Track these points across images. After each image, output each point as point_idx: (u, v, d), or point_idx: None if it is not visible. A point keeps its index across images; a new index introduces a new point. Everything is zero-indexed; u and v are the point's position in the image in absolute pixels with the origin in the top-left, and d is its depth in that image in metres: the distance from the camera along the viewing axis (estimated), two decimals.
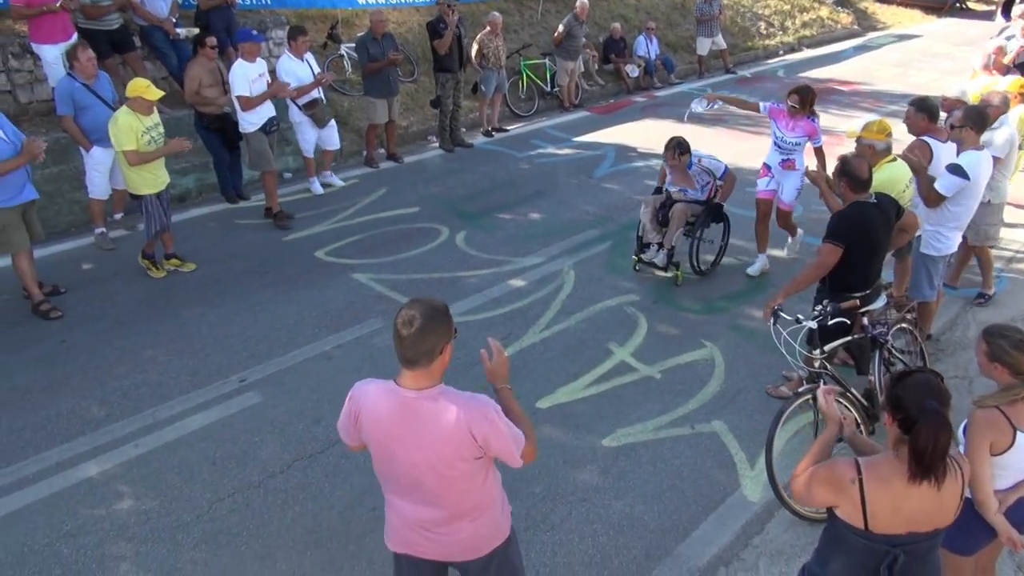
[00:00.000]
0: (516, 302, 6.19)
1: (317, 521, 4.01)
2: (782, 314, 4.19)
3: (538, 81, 12.18)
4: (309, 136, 8.23)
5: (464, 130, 10.48)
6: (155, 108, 6.14)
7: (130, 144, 5.90)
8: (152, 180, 6.20)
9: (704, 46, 14.39)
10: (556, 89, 12.27)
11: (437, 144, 10.26)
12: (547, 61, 12.29)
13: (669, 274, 6.53)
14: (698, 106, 6.83)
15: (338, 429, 2.67)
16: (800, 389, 4.34)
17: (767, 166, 6.55)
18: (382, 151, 9.65)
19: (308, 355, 5.43)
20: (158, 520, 4.02)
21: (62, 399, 4.92)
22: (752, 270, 6.71)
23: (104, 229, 7.18)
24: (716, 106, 6.89)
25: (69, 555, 3.80)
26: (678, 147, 6.31)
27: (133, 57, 8.23)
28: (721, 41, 14.53)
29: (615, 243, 7.29)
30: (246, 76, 7.24)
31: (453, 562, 2.73)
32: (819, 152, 6.42)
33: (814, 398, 4.15)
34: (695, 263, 6.53)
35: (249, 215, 7.88)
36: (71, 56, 6.49)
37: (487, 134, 10.78)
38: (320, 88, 8.11)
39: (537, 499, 4.17)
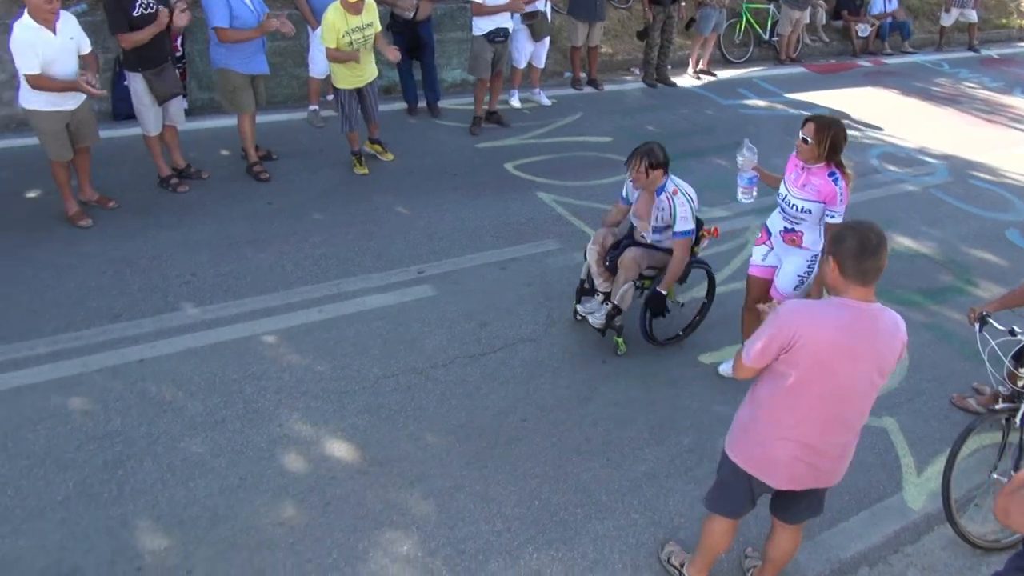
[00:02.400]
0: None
1: (470, 417, 4.19)
2: (992, 321, 3.82)
3: (757, 27, 11.48)
4: (523, 48, 8.21)
5: (670, 67, 10.11)
6: (367, 8, 6.06)
7: (330, 42, 6.00)
8: (350, 77, 6.29)
9: (950, 17, 12.95)
10: (775, 39, 11.52)
11: (640, 77, 9.99)
12: (771, 7, 11.52)
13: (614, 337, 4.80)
14: (746, 197, 4.57)
15: (751, 352, 2.72)
16: (995, 407, 3.98)
17: (767, 230, 4.42)
18: (583, 75, 9.53)
19: (484, 261, 5.58)
20: (329, 383, 4.34)
21: (263, 255, 5.36)
22: (725, 369, 4.70)
23: (317, 107, 7.63)
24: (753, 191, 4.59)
25: (251, 394, 4.20)
26: (647, 156, 4.26)
27: None
28: (972, 14, 13.01)
29: None
30: None
31: (812, 488, 2.88)
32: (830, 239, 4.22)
33: (1007, 419, 3.81)
34: (647, 330, 4.70)
35: (449, 117, 8.08)
36: None
37: (694, 75, 10.36)
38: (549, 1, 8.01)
39: (684, 449, 4.13)
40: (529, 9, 7.86)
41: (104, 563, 3.24)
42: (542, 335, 4.86)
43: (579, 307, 4.76)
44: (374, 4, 6.18)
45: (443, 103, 8.27)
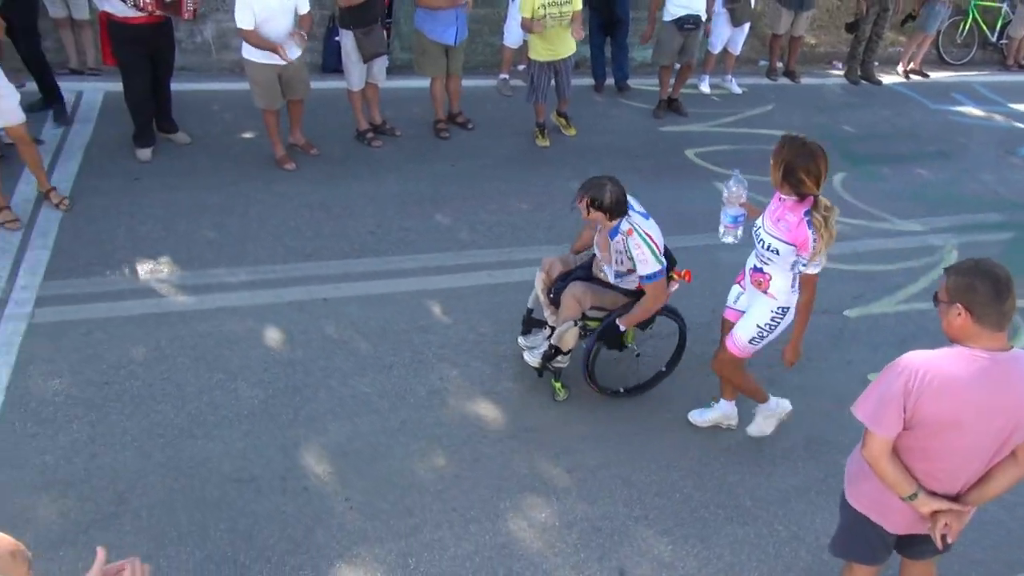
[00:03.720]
0: (880, 264, 5.67)
1: (621, 400, 4.22)
2: None
3: (984, 27, 10.43)
4: (721, 32, 7.96)
5: (876, 64, 9.44)
6: None
7: (526, 12, 6.08)
8: (546, 50, 6.36)
9: None
10: (1004, 41, 10.44)
11: (842, 72, 9.40)
12: (1004, 5, 10.42)
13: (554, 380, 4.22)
14: (729, 236, 3.96)
15: (863, 413, 2.48)
16: None
17: (744, 268, 3.80)
18: (780, 65, 9.11)
19: None
20: (489, 345, 4.51)
21: (442, 215, 5.62)
22: (697, 418, 4.16)
23: (507, 76, 7.81)
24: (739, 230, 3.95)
25: (418, 345, 4.45)
26: (590, 193, 3.62)
27: None
28: None
29: (1018, 237, 6.25)
30: None
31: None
32: (807, 284, 3.42)
33: None
34: (588, 365, 4.05)
35: (635, 97, 8.02)
36: None
37: (904, 75, 9.62)
38: None
39: (840, 469, 3.94)
40: None
41: (277, 477, 3.59)
42: (705, 328, 4.79)
43: (521, 339, 4.25)
44: None
45: (631, 82, 8.20)
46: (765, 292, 3.56)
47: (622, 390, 4.24)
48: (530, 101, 6.69)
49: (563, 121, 7.08)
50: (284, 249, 5.09)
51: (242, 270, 4.87)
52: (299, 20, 5.57)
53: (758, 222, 3.53)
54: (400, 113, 6.92)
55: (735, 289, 3.87)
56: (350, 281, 4.89)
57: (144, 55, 5.50)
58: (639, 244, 3.64)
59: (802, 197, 3.28)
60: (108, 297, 4.52)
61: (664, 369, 4.30)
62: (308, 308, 4.63)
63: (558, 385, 4.18)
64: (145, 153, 5.84)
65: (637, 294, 3.88)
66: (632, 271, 3.80)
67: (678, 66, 7.56)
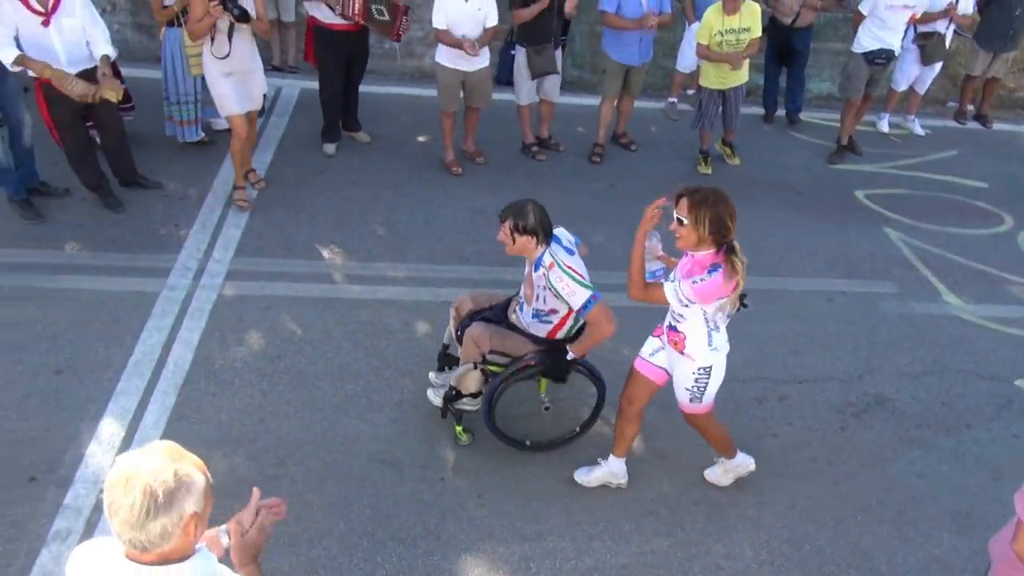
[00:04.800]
0: None
1: (759, 441, 4.16)
2: None
3: None
4: (908, 70, 7.51)
5: None
6: (748, 12, 6.06)
7: (703, 38, 6.14)
8: (718, 77, 6.34)
9: None
10: None
11: None
12: None
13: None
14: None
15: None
16: None
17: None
18: (971, 108, 8.53)
19: (810, 288, 5.40)
20: None
21: (597, 233, 5.65)
22: (712, 475, 3.91)
23: (675, 100, 7.82)
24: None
25: None
26: (514, 216, 3.43)
27: None
28: None
29: None
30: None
31: None
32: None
33: None
34: (489, 409, 3.76)
35: (807, 130, 7.79)
36: None
37: None
38: (953, 22, 7.27)
39: None
40: (925, 29, 7.21)
41: (418, 466, 3.83)
42: (855, 379, 4.63)
43: (432, 375, 4.10)
44: (757, 10, 6.15)
45: (803, 115, 7.97)
46: (682, 353, 3.34)
47: (528, 443, 3.94)
48: (696, 127, 6.67)
49: (728, 150, 7.00)
50: (444, 250, 5.38)
51: (404, 266, 5.19)
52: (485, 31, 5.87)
53: (671, 276, 3.30)
54: (565, 129, 7.09)
55: (651, 342, 3.58)
56: (503, 287, 5.05)
57: (342, 59, 5.99)
58: (561, 277, 3.39)
59: (720, 247, 3.07)
60: (287, 278, 4.97)
61: (578, 430, 4.02)
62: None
63: (459, 429, 3.94)
64: (331, 148, 6.35)
65: (546, 342, 3.69)
66: (555, 311, 3.59)
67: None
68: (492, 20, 5.87)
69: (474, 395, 3.83)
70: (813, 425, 4.26)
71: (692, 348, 3.29)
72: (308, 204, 5.69)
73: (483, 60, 5.95)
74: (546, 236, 3.48)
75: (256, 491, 2.06)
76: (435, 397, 3.98)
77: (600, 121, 6.72)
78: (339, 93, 6.19)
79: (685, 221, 3.04)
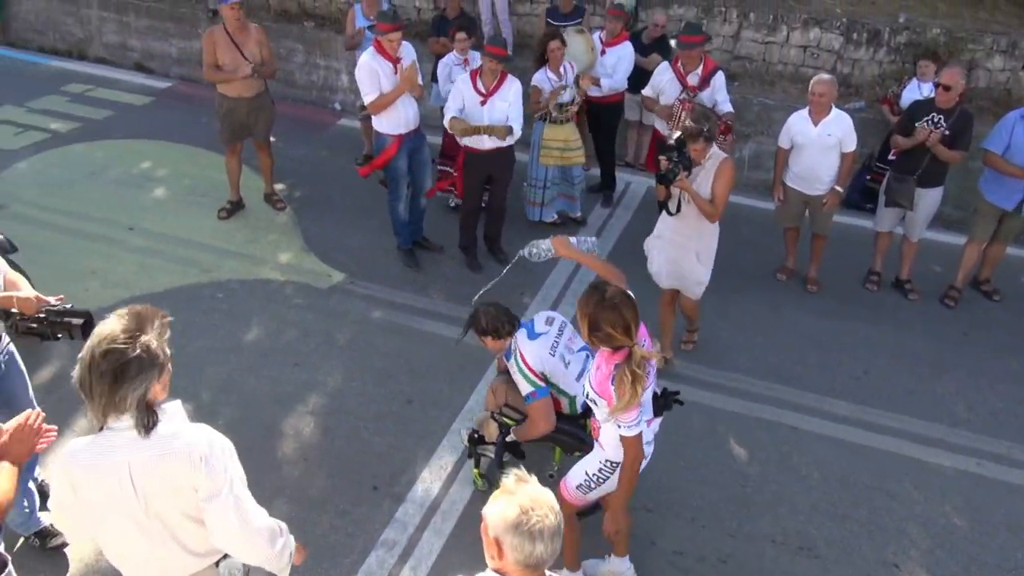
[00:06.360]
0: None
1: None
2: None
3: None
4: None
5: None
6: None
7: None
8: None
9: None
10: None
11: None
12: None
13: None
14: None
15: None
16: None
17: None
18: None
19: None
20: (961, 541, 4.08)
21: (941, 382, 5.20)
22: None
23: None
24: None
25: (878, 506, 4.24)
26: (469, 325, 3.93)
27: None
28: None
29: None
30: None
31: None
32: (626, 446, 3.03)
33: None
34: (499, 456, 3.92)
35: None
36: None
37: None
38: None
39: None
40: None
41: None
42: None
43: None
44: None
45: None
46: (596, 440, 3.26)
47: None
48: None
49: None
50: (766, 366, 5.29)
51: (722, 373, 5.20)
52: (842, 158, 5.73)
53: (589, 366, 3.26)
54: (921, 267, 6.59)
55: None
56: (822, 418, 4.87)
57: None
58: (512, 367, 3.65)
59: (616, 349, 2.94)
60: None
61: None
62: (775, 430, 4.75)
63: (476, 472, 4.17)
64: None
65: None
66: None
67: None
68: (848, 146, 5.63)
69: (489, 443, 4.06)
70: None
71: (604, 439, 3.20)
72: (637, 293, 5.89)
73: (826, 186, 5.79)
74: (503, 333, 3.77)
75: (33, 413, 2.43)
76: (464, 434, 4.22)
77: (962, 264, 6.15)
78: None
79: (577, 314, 3.07)
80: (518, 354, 3.62)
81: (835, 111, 5.63)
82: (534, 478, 1.99)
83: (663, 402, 3.40)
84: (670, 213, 4.70)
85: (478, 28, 7.67)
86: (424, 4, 9.21)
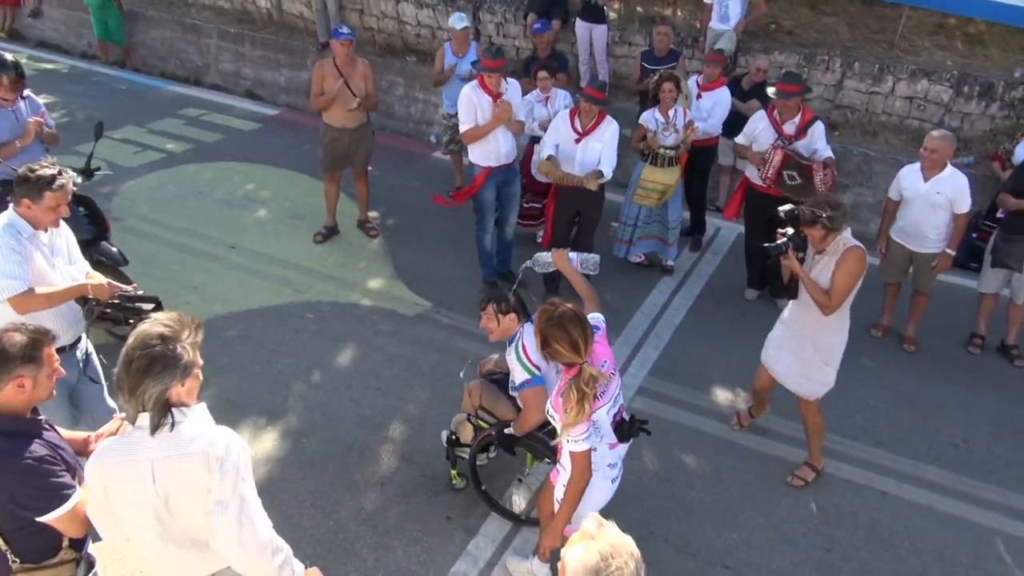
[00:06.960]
0: None
1: None
2: None
3: None
4: None
5: None
6: None
7: None
8: None
9: None
10: None
11: None
12: None
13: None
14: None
15: None
16: None
17: None
18: None
19: None
20: None
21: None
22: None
23: None
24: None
25: None
26: (496, 300, 3.82)
27: None
28: None
29: None
30: None
31: None
32: (573, 461, 3.08)
33: None
34: (472, 460, 4.14)
35: None
36: None
37: None
38: None
39: None
40: None
41: None
42: None
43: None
44: None
45: None
46: (557, 461, 3.30)
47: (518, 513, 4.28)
48: None
49: None
50: (855, 425, 5.08)
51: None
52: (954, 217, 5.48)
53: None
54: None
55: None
56: (916, 485, 4.62)
57: (760, 219, 5.95)
58: (510, 352, 3.71)
59: (569, 366, 3.02)
60: (689, 408, 5.15)
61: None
62: (864, 493, 4.54)
63: (454, 472, 4.36)
64: (751, 293, 6.48)
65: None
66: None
67: None
68: (961, 206, 5.38)
69: (464, 444, 4.17)
70: None
71: (566, 459, 3.16)
72: (724, 341, 5.85)
73: (931, 243, 5.54)
74: (526, 315, 3.81)
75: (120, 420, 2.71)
76: (444, 436, 4.32)
77: None
78: (758, 248, 6.23)
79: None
80: (520, 344, 3.71)
81: (950, 169, 5.36)
82: (613, 524, 1.97)
83: (629, 428, 3.31)
84: (791, 296, 4.40)
85: (567, 68, 7.75)
86: (524, 44, 9.41)
